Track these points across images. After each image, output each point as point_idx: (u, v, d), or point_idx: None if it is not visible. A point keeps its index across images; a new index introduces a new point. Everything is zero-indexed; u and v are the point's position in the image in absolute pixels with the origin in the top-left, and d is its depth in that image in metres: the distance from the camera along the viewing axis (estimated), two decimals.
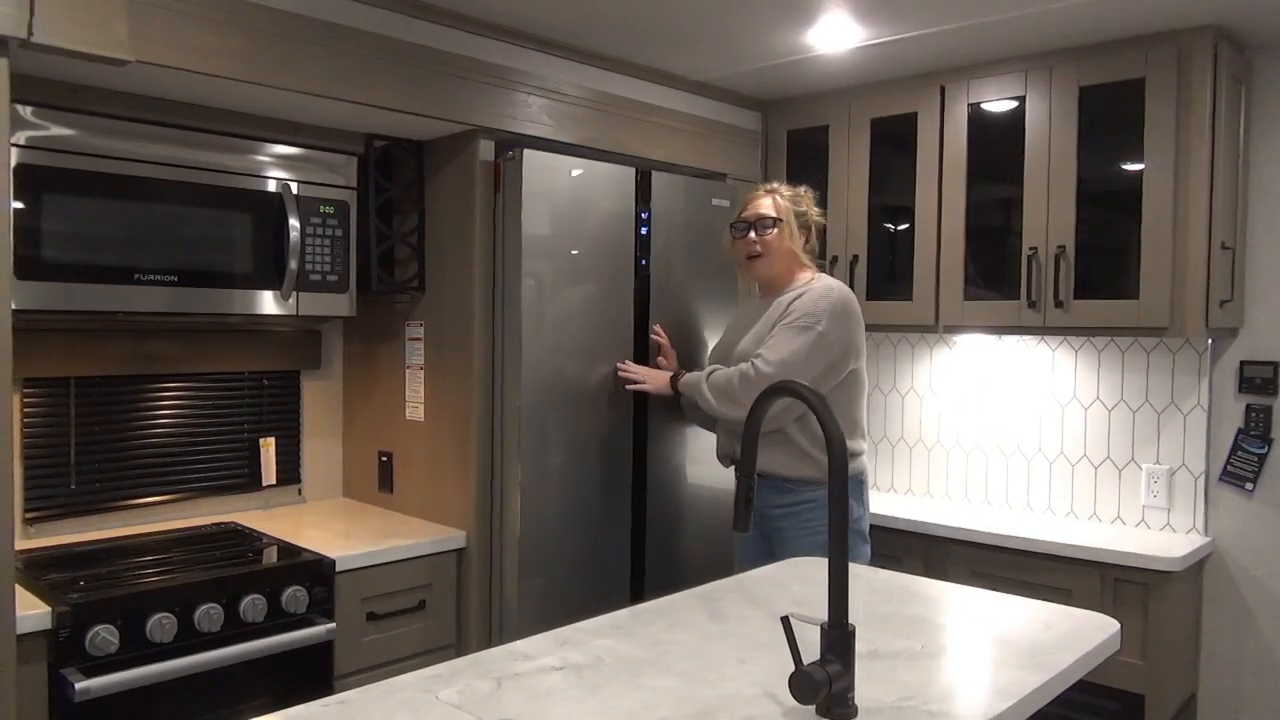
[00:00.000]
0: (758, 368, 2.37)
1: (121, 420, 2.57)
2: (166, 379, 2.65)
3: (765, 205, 2.54)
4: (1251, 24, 2.55)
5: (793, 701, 1.32)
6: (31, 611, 1.89)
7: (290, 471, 2.93)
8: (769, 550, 2.47)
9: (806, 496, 2.42)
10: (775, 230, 2.51)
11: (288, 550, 2.40)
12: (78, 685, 1.89)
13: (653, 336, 2.78)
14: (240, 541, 2.51)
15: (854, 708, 1.32)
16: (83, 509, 2.51)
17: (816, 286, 2.47)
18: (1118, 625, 1.76)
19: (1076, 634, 1.70)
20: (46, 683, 1.91)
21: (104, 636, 1.95)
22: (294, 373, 2.92)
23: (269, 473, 2.85)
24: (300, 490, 2.96)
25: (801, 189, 2.60)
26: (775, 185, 2.60)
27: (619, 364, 2.69)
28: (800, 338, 2.36)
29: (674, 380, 2.61)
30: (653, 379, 2.64)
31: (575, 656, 1.55)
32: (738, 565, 2.57)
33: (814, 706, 1.32)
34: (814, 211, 2.59)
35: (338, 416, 3.05)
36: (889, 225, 3.19)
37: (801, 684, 1.29)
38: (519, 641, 1.62)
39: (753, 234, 2.53)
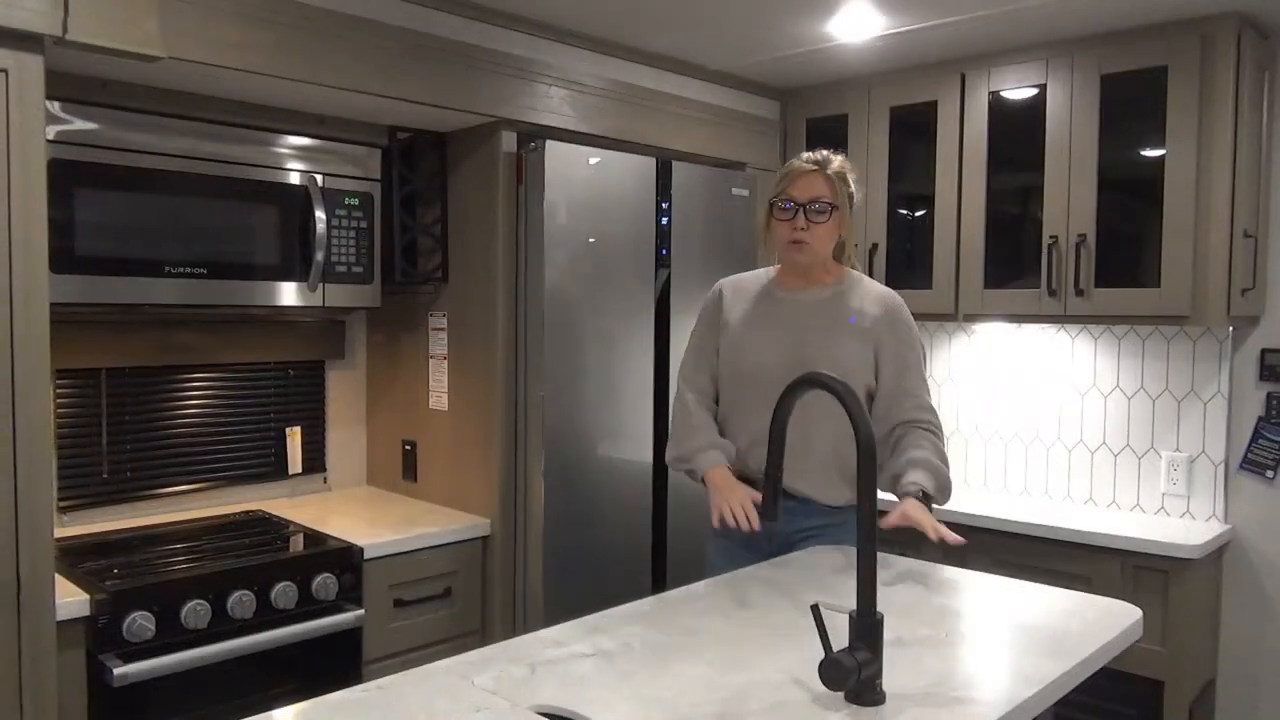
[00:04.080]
0: (935, 423, 2.16)
1: (151, 410, 2.61)
2: (194, 369, 2.69)
3: (819, 186, 2.15)
4: (1276, 10, 2.54)
5: (821, 688, 1.35)
6: (70, 599, 1.94)
7: (315, 460, 2.97)
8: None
9: (836, 520, 2.19)
10: (829, 217, 2.16)
11: (317, 538, 2.43)
12: (116, 670, 1.94)
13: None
14: (269, 529, 2.55)
15: (882, 694, 1.35)
16: (114, 498, 2.55)
17: (873, 288, 2.24)
18: (1140, 613, 1.78)
19: (1099, 622, 1.72)
20: (85, 668, 1.96)
21: (141, 623, 1.99)
22: (319, 362, 2.96)
23: (295, 461, 2.89)
24: (325, 478, 3.00)
25: (849, 163, 2.24)
26: (828, 157, 2.19)
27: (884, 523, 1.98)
28: (921, 365, 2.21)
29: (927, 499, 2.06)
30: (918, 518, 2.02)
31: (605, 643, 1.58)
32: (709, 573, 2.14)
33: (843, 693, 1.34)
34: (856, 191, 2.26)
35: (361, 406, 3.08)
36: (908, 214, 3.20)
37: (831, 671, 1.32)
38: (550, 629, 1.65)
39: (801, 217, 2.16)
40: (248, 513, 2.70)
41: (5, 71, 1.77)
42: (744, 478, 2.17)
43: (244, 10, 2.08)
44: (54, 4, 1.79)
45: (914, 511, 1.99)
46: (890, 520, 1.97)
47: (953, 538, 1.97)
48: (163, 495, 2.64)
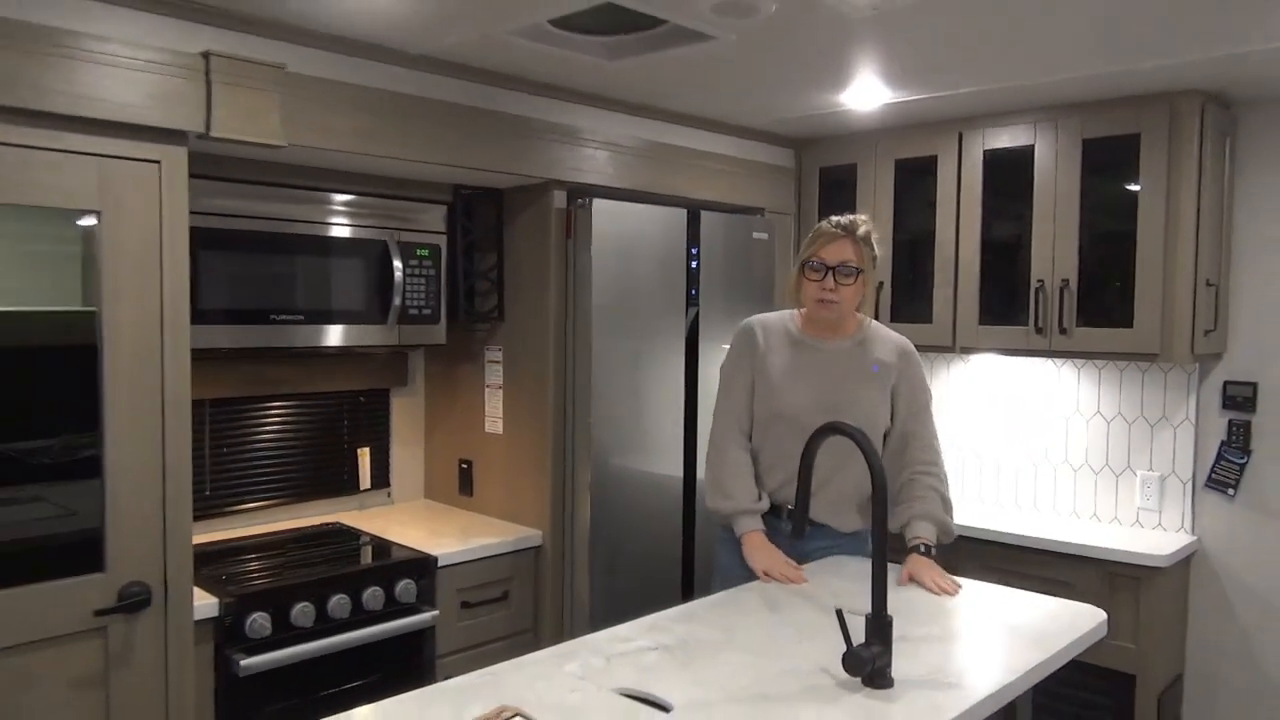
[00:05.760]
0: (939, 466, 2.47)
1: (244, 434, 2.97)
2: (281, 398, 3.04)
3: (847, 250, 2.36)
4: (1235, 86, 2.89)
5: (844, 674, 1.70)
6: (201, 602, 2.29)
7: (381, 476, 3.33)
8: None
9: (846, 540, 2.51)
10: (855, 279, 2.38)
11: (396, 548, 2.79)
12: (242, 662, 2.29)
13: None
14: (348, 539, 2.91)
15: (891, 680, 1.70)
16: (211, 512, 2.90)
17: (890, 337, 2.51)
18: (1104, 616, 2.13)
19: (1071, 623, 2.07)
20: (213, 661, 2.31)
21: (260, 622, 2.34)
22: (385, 390, 3.31)
23: (365, 478, 3.25)
24: (389, 493, 3.36)
25: (871, 224, 2.44)
26: (855, 221, 2.40)
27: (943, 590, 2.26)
28: (930, 407, 2.53)
29: (928, 550, 2.36)
30: (920, 579, 2.28)
31: (664, 639, 1.93)
32: (718, 582, 2.50)
33: (860, 679, 1.70)
34: (879, 251, 2.49)
35: (420, 428, 3.44)
36: (911, 255, 3.55)
37: (852, 661, 1.68)
38: (617, 627, 2.00)
39: (831, 279, 2.37)
40: (326, 524, 3.06)
41: (159, 163, 2.13)
42: (775, 507, 2.49)
43: (346, 101, 2.43)
44: (199, 107, 2.15)
45: (917, 573, 2.29)
46: (902, 581, 2.28)
47: (950, 590, 2.24)
48: (252, 509, 3.00)
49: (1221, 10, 2.20)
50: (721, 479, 2.49)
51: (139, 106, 2.07)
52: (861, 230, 2.40)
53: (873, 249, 2.43)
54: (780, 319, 2.57)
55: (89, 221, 2.07)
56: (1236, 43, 2.43)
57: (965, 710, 1.62)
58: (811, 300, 2.42)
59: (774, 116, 3.37)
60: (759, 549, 2.40)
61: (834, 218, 2.44)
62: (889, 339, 2.52)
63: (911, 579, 2.29)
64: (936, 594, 2.23)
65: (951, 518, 2.46)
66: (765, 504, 2.48)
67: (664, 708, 1.61)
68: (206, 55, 2.15)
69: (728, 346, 2.62)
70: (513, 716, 1.57)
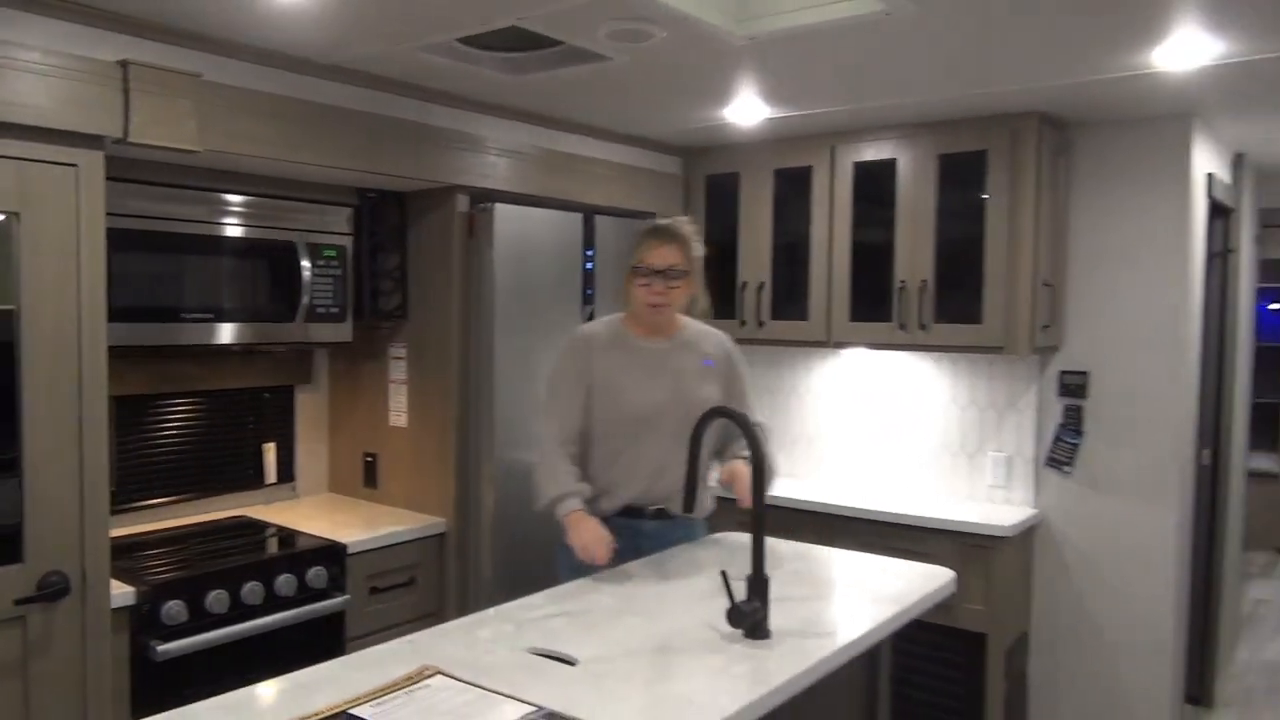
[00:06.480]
0: (765, 427, 2.59)
1: (150, 431, 3.02)
2: (187, 395, 3.11)
3: (674, 254, 2.51)
4: (1068, 110, 3.27)
5: (728, 628, 1.94)
6: (118, 591, 2.37)
7: (286, 471, 3.41)
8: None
9: (688, 525, 2.66)
10: (683, 282, 2.54)
11: (306, 538, 2.90)
12: (159, 648, 2.38)
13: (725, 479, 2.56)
14: (256, 531, 3.01)
15: (769, 631, 1.94)
16: (120, 508, 2.94)
17: (710, 333, 2.68)
18: (953, 574, 2.44)
19: (924, 582, 2.36)
20: (129, 646, 2.39)
21: (175, 610, 2.44)
22: (289, 387, 3.40)
23: (270, 472, 3.33)
24: (294, 487, 3.45)
25: (695, 225, 2.60)
26: (678, 226, 2.55)
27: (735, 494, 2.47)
28: (751, 389, 2.73)
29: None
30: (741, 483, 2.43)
31: (569, 607, 2.13)
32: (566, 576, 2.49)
33: (742, 631, 1.94)
34: (701, 250, 2.61)
35: (324, 423, 3.54)
36: (789, 257, 3.84)
37: (734, 615, 1.92)
38: (526, 598, 2.19)
39: (660, 283, 2.51)
40: (233, 518, 3.14)
41: (77, 166, 2.21)
42: (636, 507, 2.58)
43: (259, 108, 2.54)
44: (116, 113, 2.23)
45: (738, 475, 2.43)
46: (723, 477, 2.50)
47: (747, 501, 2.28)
48: (157, 505, 3.05)
49: (1053, 47, 2.54)
50: (545, 478, 2.52)
51: (58, 112, 2.14)
52: (685, 232, 2.54)
53: (697, 250, 2.56)
54: (608, 326, 2.66)
55: (7, 222, 2.13)
56: (1066, 75, 2.79)
57: (831, 653, 1.88)
58: (642, 304, 2.54)
59: (664, 128, 3.61)
60: (579, 523, 2.43)
61: (659, 222, 2.60)
62: (710, 334, 2.70)
63: (732, 474, 2.46)
64: (743, 504, 2.30)
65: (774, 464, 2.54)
66: (587, 488, 2.53)
67: (570, 662, 1.81)
68: (125, 64, 2.23)
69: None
70: (433, 674, 1.74)
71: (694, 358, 2.63)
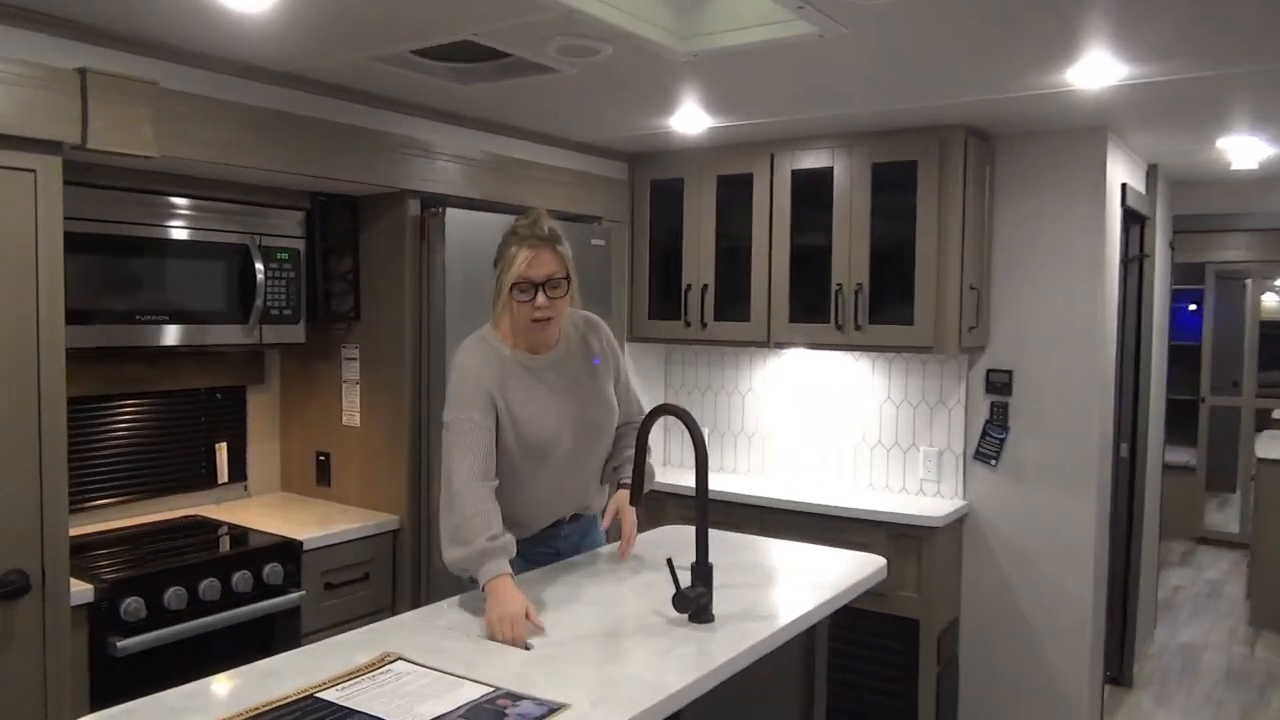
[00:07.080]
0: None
1: (102, 431, 3.05)
2: (139, 396, 3.14)
3: (551, 262, 2.21)
4: (992, 123, 3.46)
5: (674, 614, 2.06)
6: (77, 589, 2.41)
7: (238, 470, 3.45)
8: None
9: (595, 521, 2.61)
10: (565, 289, 2.25)
11: (261, 535, 2.95)
12: (119, 644, 2.43)
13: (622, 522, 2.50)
14: (209, 530, 3.05)
15: (713, 615, 2.07)
16: (74, 508, 2.96)
17: (583, 318, 2.47)
18: (884, 561, 2.59)
19: (858, 568, 2.51)
20: (88, 643, 2.43)
21: (134, 606, 2.48)
22: (241, 387, 3.45)
23: (222, 472, 3.37)
24: (246, 486, 3.49)
25: (552, 218, 2.27)
26: (548, 227, 2.24)
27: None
28: (628, 369, 2.61)
29: (634, 499, 2.33)
30: (627, 527, 2.48)
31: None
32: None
33: (688, 615, 2.06)
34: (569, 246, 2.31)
35: (276, 423, 3.58)
36: (730, 260, 3.98)
37: (680, 600, 2.04)
38: (479, 590, 2.28)
39: (542, 296, 2.21)
40: (186, 517, 3.18)
41: (35, 171, 2.25)
42: (541, 535, 2.44)
43: (212, 114, 2.60)
44: (74, 119, 2.28)
45: (624, 510, 2.45)
46: (606, 519, 2.51)
47: (633, 542, 2.47)
48: (109, 504, 3.08)
49: (977, 67, 2.71)
50: (466, 521, 2.12)
51: (16, 119, 2.18)
52: (555, 231, 2.24)
53: (568, 246, 2.27)
54: (493, 350, 2.31)
55: None
56: (990, 91, 2.96)
57: (769, 635, 2.02)
58: (526, 321, 2.25)
59: (610, 135, 3.72)
60: (505, 592, 2.01)
61: (522, 226, 2.25)
62: (583, 323, 2.46)
63: (618, 514, 2.46)
64: (630, 540, 2.44)
65: (651, 469, 2.49)
66: (511, 544, 2.15)
67: (525, 647, 1.92)
68: (83, 71, 2.28)
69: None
70: (394, 660, 1.84)
71: (584, 363, 2.42)
